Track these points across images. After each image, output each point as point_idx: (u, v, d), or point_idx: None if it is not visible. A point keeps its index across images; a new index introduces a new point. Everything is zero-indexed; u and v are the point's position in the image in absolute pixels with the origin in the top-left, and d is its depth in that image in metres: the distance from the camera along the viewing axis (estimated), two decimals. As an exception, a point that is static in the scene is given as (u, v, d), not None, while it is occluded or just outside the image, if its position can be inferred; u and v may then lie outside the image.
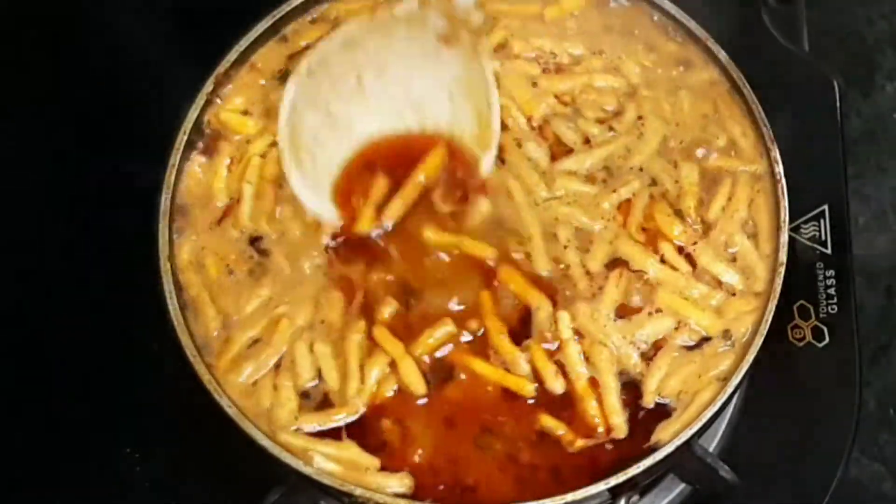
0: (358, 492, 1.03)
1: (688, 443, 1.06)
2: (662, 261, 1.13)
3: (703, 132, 1.19)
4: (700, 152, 1.18)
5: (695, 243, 1.13)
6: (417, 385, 1.08)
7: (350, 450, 1.06)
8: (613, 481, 1.03)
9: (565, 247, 1.13)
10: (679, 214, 1.15)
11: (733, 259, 1.13)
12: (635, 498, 1.17)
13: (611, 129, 1.19)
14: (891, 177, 1.50)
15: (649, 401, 1.08)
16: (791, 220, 1.17)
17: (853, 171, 1.47)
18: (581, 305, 1.10)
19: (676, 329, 1.11)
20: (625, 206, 1.15)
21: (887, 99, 1.54)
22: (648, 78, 1.22)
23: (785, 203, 1.14)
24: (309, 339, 1.10)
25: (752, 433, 1.28)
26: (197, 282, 1.13)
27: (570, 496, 1.03)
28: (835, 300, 1.28)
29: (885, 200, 1.48)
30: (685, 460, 1.11)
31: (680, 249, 1.13)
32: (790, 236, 1.15)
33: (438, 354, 1.10)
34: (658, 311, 1.11)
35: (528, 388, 1.08)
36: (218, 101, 1.21)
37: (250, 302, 1.12)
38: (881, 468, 1.36)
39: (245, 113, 1.21)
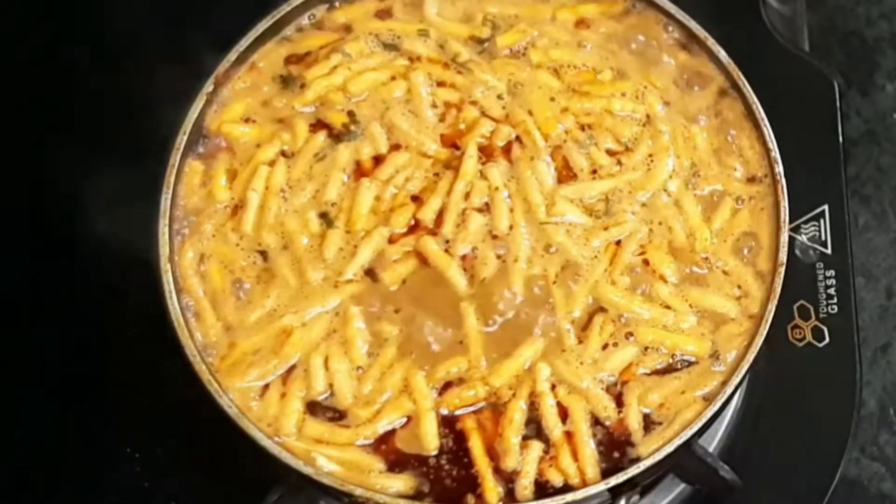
0: (358, 492, 1.03)
1: (688, 443, 1.06)
2: (650, 300, 1.11)
3: (720, 165, 1.18)
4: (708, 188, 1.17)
5: (690, 271, 1.13)
6: (431, 442, 1.06)
7: (353, 451, 1.06)
8: (613, 481, 1.03)
9: (554, 282, 1.12)
10: (677, 252, 1.13)
11: (728, 286, 1.12)
12: (635, 498, 1.17)
13: (619, 163, 1.17)
14: (891, 177, 1.49)
15: (638, 439, 1.07)
16: (791, 220, 1.16)
17: (853, 171, 1.47)
18: (563, 356, 1.09)
19: (645, 353, 1.10)
20: (613, 248, 1.13)
21: (887, 99, 1.53)
22: (666, 104, 1.20)
23: (785, 203, 1.14)
24: (325, 352, 1.09)
25: (752, 433, 1.28)
26: (198, 289, 1.13)
27: (569, 496, 1.03)
28: (835, 300, 1.28)
29: (885, 200, 1.48)
30: (685, 460, 1.11)
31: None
32: (790, 236, 1.15)
33: (457, 413, 1.08)
34: (629, 335, 1.10)
35: (493, 498, 1.05)
36: (217, 105, 1.20)
37: (254, 312, 1.11)
38: (881, 468, 1.36)
39: (247, 121, 1.20)
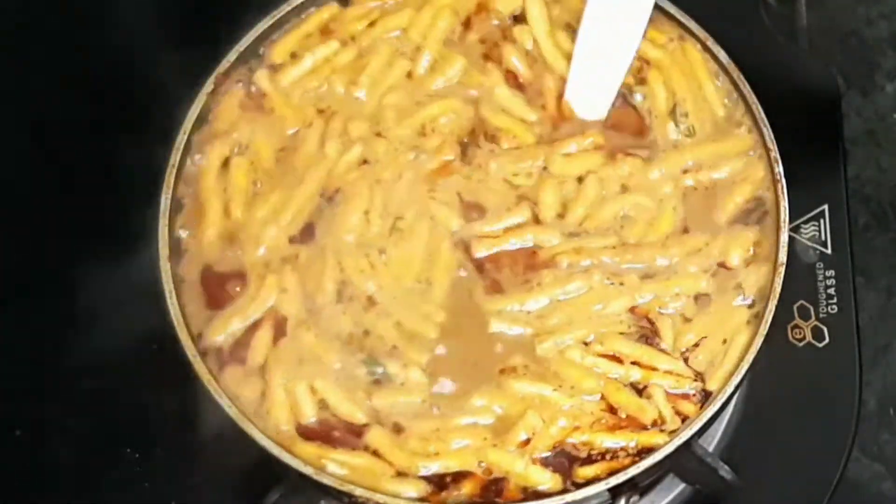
0: (358, 492, 1.03)
1: (688, 443, 1.06)
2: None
3: None
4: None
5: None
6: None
7: (363, 456, 1.05)
8: (613, 481, 1.03)
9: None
10: None
11: None
12: (635, 498, 1.17)
13: None
14: (891, 177, 1.50)
15: None
16: (791, 220, 1.16)
17: (853, 171, 1.47)
18: None
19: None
20: None
21: (887, 99, 1.53)
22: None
23: (785, 203, 1.14)
24: (308, 375, 1.08)
25: (752, 433, 1.28)
26: (213, 188, 1.15)
27: (569, 496, 1.03)
28: (835, 300, 1.28)
29: (885, 200, 1.48)
30: (685, 460, 1.11)
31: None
32: (790, 236, 1.15)
33: None
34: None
35: None
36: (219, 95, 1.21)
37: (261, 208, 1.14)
38: (881, 468, 1.36)
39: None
